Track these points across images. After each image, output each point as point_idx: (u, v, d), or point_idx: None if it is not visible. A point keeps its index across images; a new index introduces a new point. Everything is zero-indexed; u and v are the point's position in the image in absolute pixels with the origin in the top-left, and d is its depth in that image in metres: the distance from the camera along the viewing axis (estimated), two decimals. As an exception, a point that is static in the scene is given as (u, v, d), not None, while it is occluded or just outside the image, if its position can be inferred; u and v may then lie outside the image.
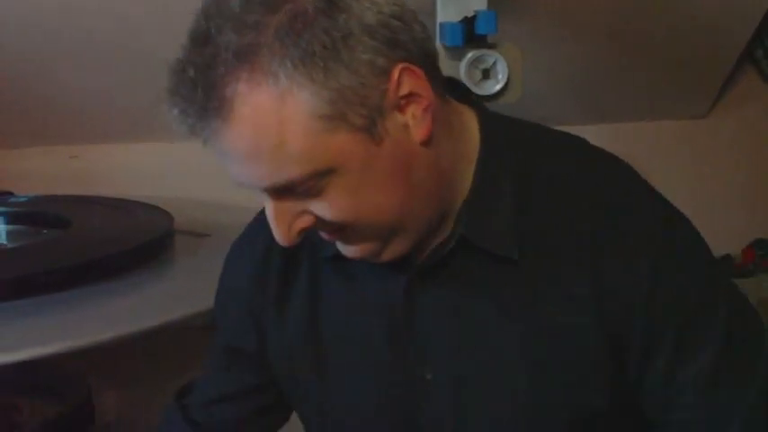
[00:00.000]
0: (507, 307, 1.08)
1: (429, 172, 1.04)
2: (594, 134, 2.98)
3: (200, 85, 0.93)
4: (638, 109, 3.13)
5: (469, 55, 1.99)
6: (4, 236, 2.33)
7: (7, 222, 2.36)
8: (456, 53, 2.01)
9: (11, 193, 2.66)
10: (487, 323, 1.09)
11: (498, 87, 2.00)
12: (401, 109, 0.99)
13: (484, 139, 1.10)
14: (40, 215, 2.37)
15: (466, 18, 1.99)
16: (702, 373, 1.07)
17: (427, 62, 1.02)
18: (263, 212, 1.10)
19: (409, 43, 0.99)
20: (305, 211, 1.01)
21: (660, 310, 1.06)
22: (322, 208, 1.00)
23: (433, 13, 2.05)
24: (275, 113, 0.93)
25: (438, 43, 2.05)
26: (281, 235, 1.02)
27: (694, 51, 2.91)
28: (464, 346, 1.11)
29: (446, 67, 2.03)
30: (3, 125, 2.88)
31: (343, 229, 1.04)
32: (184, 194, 2.73)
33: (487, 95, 2.01)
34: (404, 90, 0.98)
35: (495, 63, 1.99)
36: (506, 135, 1.12)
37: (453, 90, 1.14)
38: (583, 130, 3.01)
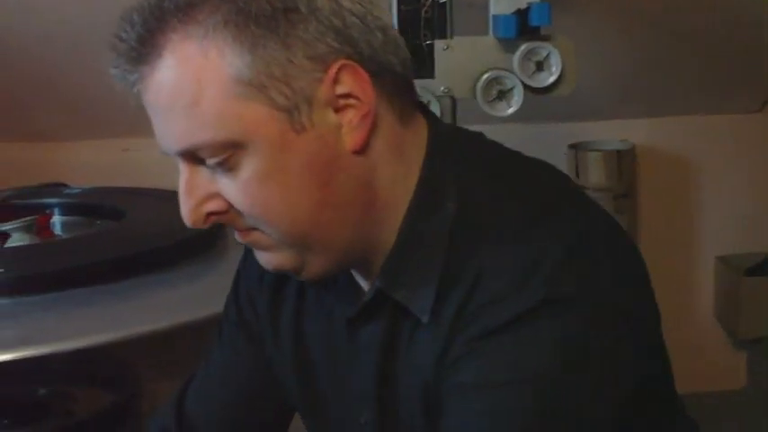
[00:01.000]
0: (417, 355, 1.01)
1: (355, 185, 0.98)
2: (646, 128, 3.00)
3: (137, 30, 0.93)
4: (691, 103, 3.10)
5: (523, 47, 1.99)
6: (58, 227, 2.35)
7: (62, 213, 2.38)
8: (509, 45, 2.01)
9: (65, 185, 2.69)
10: (402, 370, 1.04)
11: (552, 80, 2.00)
12: (337, 109, 0.95)
13: (421, 182, 1.01)
14: (93, 207, 2.39)
15: (519, 10, 1.99)
16: None
17: (381, 73, 0.97)
18: None
19: (362, 44, 0.95)
20: (217, 195, 0.97)
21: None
22: (233, 191, 0.96)
23: (486, 5, 2.05)
24: (197, 67, 0.92)
25: (491, 35, 2.05)
26: (186, 211, 0.98)
27: (748, 44, 2.88)
28: (384, 391, 1.06)
29: (499, 59, 2.03)
30: (56, 119, 2.91)
31: (254, 230, 0.99)
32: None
33: (541, 87, 2.01)
34: (342, 89, 0.94)
35: (548, 55, 1.99)
36: (448, 174, 1.01)
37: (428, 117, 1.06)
38: (634, 123, 3.03)
